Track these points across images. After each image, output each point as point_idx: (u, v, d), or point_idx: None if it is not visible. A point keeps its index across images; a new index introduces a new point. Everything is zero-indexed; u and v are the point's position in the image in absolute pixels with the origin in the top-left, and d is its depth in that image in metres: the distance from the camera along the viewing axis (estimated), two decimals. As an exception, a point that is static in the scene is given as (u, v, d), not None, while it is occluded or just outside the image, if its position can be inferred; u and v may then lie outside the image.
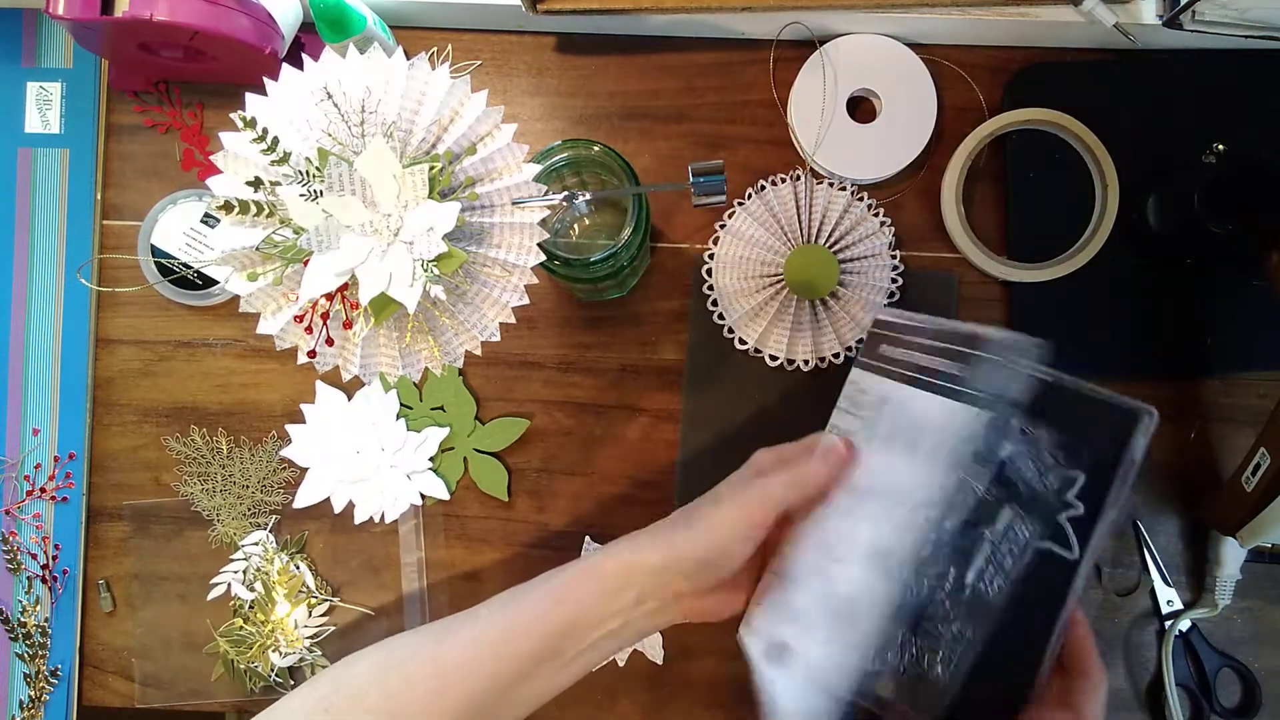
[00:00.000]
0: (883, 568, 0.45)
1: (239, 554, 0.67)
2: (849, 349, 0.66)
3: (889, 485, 0.46)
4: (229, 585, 0.67)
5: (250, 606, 0.67)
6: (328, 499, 0.67)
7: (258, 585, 0.67)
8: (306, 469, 0.67)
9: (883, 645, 0.47)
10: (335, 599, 0.68)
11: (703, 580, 0.48)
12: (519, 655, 0.47)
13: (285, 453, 0.67)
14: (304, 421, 0.67)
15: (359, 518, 0.66)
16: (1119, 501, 0.46)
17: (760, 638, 0.48)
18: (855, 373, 0.51)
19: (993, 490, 0.47)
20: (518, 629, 0.47)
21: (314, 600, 0.67)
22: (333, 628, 0.68)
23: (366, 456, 0.66)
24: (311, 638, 0.67)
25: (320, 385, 0.67)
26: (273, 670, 0.67)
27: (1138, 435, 0.46)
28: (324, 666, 0.67)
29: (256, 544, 0.67)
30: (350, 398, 0.67)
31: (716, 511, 0.47)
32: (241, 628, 0.67)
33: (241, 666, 0.67)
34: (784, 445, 0.51)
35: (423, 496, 0.67)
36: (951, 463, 0.46)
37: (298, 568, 0.67)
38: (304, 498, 0.67)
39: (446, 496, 0.67)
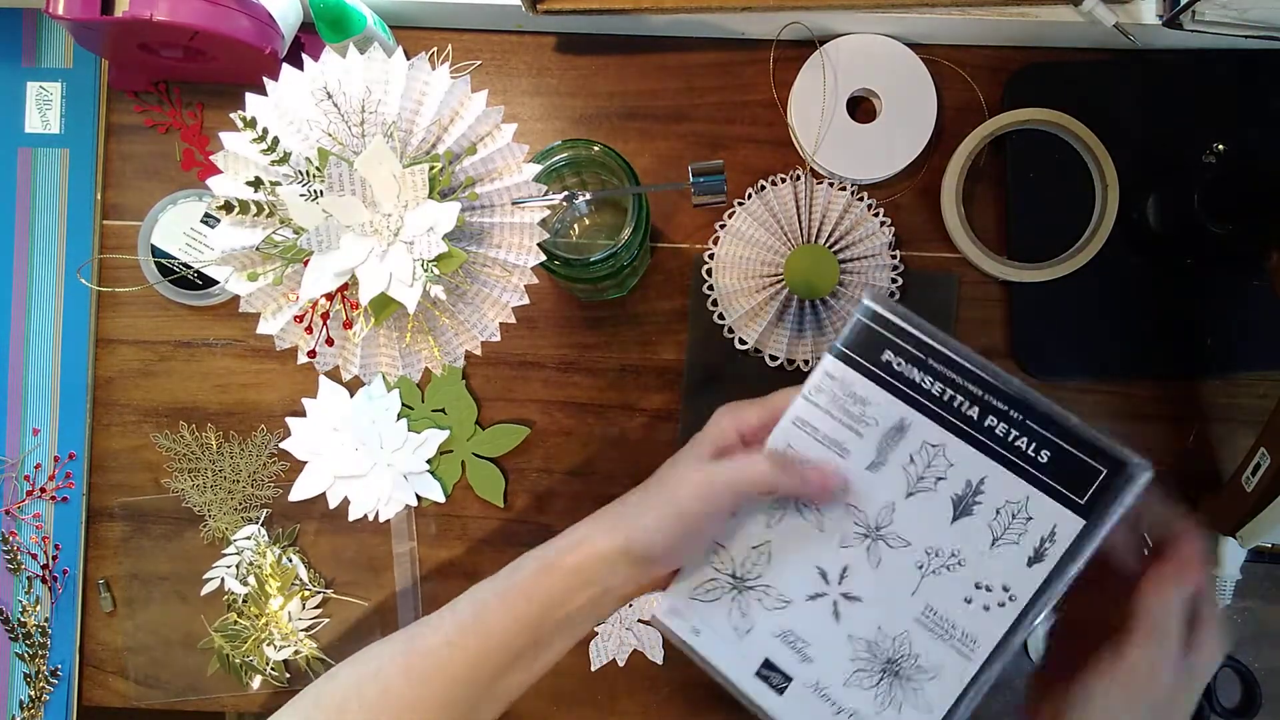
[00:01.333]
0: (959, 649, 0.43)
1: (231, 549, 0.67)
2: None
3: (936, 544, 0.44)
4: (222, 580, 0.67)
5: (244, 600, 0.67)
6: (323, 494, 0.67)
7: (250, 579, 0.67)
8: (302, 462, 0.67)
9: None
10: (328, 591, 0.68)
11: (660, 569, 0.48)
12: (492, 654, 0.47)
13: (285, 445, 0.67)
14: (304, 415, 0.67)
15: (353, 514, 0.67)
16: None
17: (717, 641, 0.47)
18: (845, 371, 0.45)
19: None
20: (491, 629, 0.47)
21: (307, 593, 0.67)
22: (326, 620, 0.68)
23: (365, 454, 0.66)
24: (306, 630, 0.67)
25: (323, 380, 0.67)
26: (268, 664, 0.67)
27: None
28: (319, 659, 0.67)
29: (248, 538, 0.67)
30: (353, 394, 0.67)
31: (672, 504, 0.46)
32: (236, 622, 0.67)
33: (237, 661, 0.67)
34: (749, 409, 0.49)
35: (418, 498, 0.67)
36: (1058, 572, 0.42)
37: (290, 561, 0.67)
38: (300, 490, 0.67)
39: (442, 499, 0.67)
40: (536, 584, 0.47)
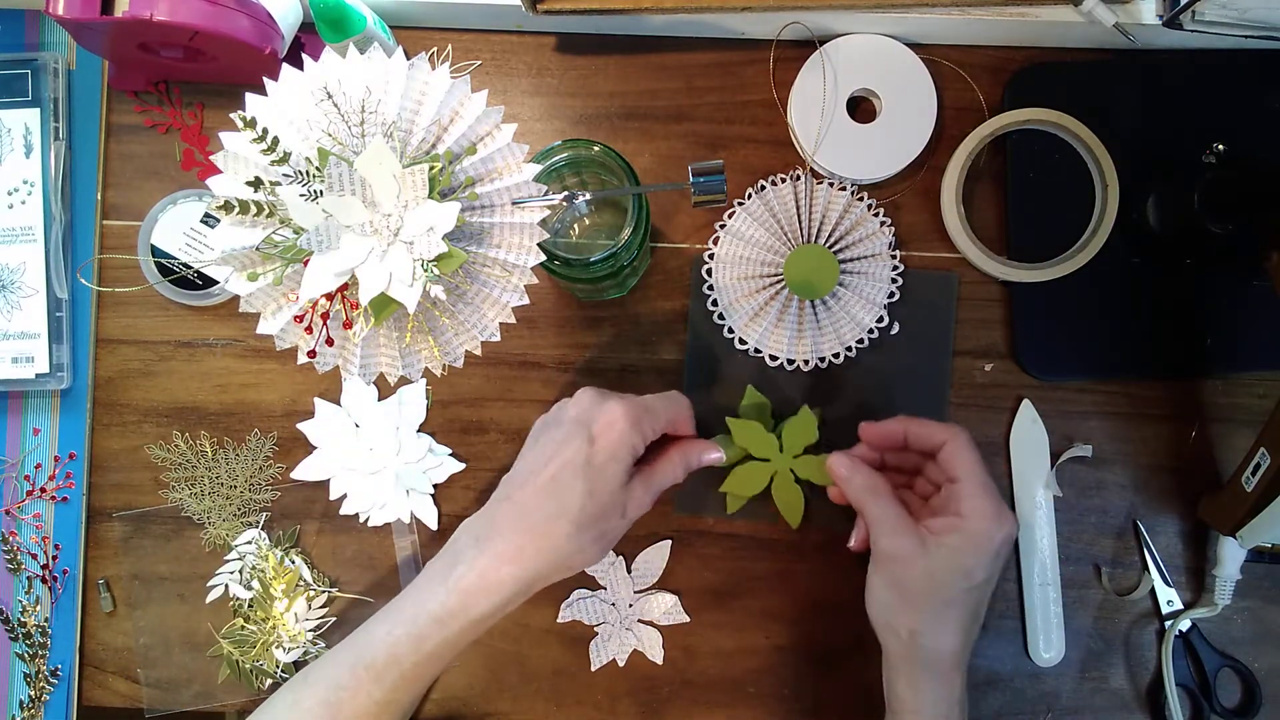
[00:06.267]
0: None
1: (233, 554, 0.67)
2: (849, 349, 0.66)
3: None
4: (226, 586, 0.67)
5: (250, 605, 0.67)
6: (323, 491, 0.67)
7: (254, 583, 0.67)
8: (303, 453, 0.67)
9: None
10: (333, 589, 0.68)
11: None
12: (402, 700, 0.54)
13: (301, 426, 0.67)
14: (320, 408, 0.67)
15: (346, 509, 0.67)
16: None
17: None
18: None
19: None
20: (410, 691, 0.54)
21: (313, 593, 0.67)
22: (334, 619, 0.68)
23: (378, 456, 0.66)
24: (314, 630, 0.67)
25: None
26: (278, 667, 0.67)
27: None
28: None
29: (249, 543, 0.67)
30: (382, 397, 0.67)
31: (619, 526, 0.54)
32: (243, 627, 0.67)
33: (247, 666, 0.67)
34: (654, 419, 0.55)
35: (414, 517, 0.67)
36: None
37: (293, 562, 0.67)
38: (303, 471, 0.67)
39: (435, 528, 0.67)
40: (452, 632, 0.53)
